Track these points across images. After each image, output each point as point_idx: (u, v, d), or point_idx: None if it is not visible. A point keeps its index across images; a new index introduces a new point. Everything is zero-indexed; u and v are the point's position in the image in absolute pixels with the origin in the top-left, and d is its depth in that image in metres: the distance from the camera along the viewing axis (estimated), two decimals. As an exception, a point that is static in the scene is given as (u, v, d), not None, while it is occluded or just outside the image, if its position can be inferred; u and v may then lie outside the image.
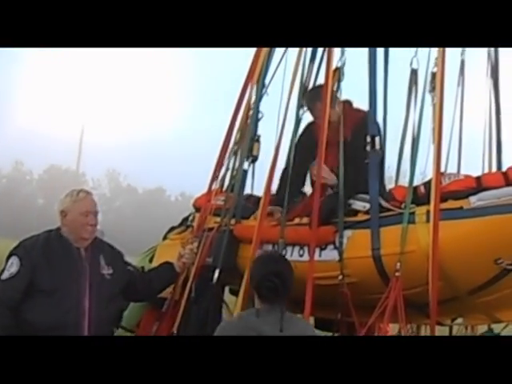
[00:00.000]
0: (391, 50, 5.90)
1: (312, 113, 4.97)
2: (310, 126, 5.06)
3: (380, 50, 5.71)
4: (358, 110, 4.89)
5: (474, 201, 4.05)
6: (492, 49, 5.38)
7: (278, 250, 4.42)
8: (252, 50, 5.07)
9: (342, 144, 4.48)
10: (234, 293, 4.86)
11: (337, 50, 4.82)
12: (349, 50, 5.31)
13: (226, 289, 5.16)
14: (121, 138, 63.24)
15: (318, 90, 4.90)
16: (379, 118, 5.64)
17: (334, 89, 5.42)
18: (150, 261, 5.31)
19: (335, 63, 5.09)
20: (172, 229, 5.60)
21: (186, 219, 5.50)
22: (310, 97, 4.99)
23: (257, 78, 5.05)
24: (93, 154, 54.46)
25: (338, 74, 5.30)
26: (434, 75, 4.40)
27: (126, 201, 56.87)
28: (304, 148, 4.87)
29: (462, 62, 5.62)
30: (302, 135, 4.99)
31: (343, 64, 5.38)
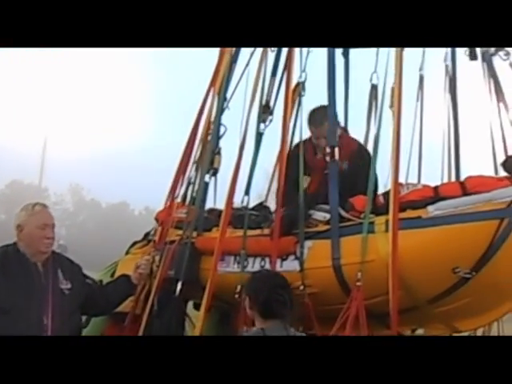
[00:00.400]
0: (352, 64, 6.02)
1: (317, 133, 5.00)
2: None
3: (340, 65, 5.84)
4: (353, 139, 5.00)
5: (432, 210, 4.10)
6: (449, 63, 5.48)
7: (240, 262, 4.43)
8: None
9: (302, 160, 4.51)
10: (197, 307, 4.84)
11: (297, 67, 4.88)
12: (310, 65, 5.42)
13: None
14: (84, 151, 62.34)
15: (325, 109, 4.89)
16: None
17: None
18: (112, 276, 5.26)
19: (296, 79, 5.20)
20: (135, 243, 5.58)
21: (148, 234, 5.48)
22: (318, 117, 5.01)
23: (218, 90, 5.08)
24: (55, 168, 53.65)
25: (299, 89, 5.40)
26: (393, 90, 4.47)
27: (89, 215, 56.27)
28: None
29: (421, 77, 5.74)
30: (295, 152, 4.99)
31: (305, 79, 5.49)
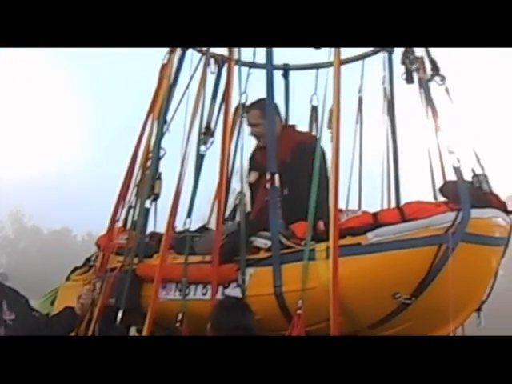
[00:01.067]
0: (292, 85, 6.06)
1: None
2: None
3: (280, 86, 5.87)
4: (300, 133, 5.01)
5: (372, 237, 4.13)
6: (387, 86, 5.54)
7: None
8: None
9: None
10: (140, 332, 4.77)
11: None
12: (250, 87, 5.44)
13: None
14: (24, 177, 61.03)
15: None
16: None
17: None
18: (52, 303, 5.17)
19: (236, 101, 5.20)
20: (75, 269, 5.48)
21: (88, 259, 5.40)
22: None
23: (157, 114, 5.04)
24: None
25: (240, 109, 5.41)
26: (331, 112, 4.50)
27: (30, 242, 55.22)
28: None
29: (360, 99, 5.79)
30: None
31: (245, 101, 5.50)
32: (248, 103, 5.24)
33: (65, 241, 53.70)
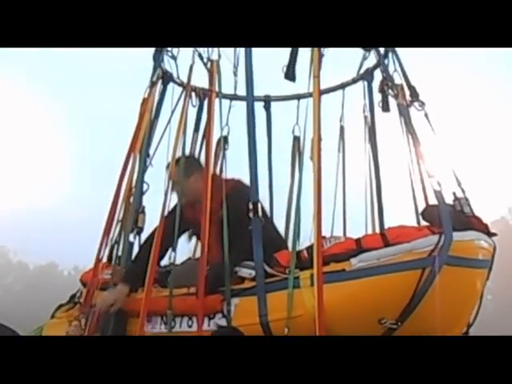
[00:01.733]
0: (274, 116, 6.11)
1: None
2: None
3: (262, 117, 5.92)
4: (227, 180, 4.85)
5: (355, 263, 4.13)
6: (368, 114, 5.60)
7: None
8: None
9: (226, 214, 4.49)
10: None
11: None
12: (232, 119, 5.47)
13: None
14: (9, 212, 60.65)
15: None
16: (264, 185, 5.80)
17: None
18: (37, 341, 5.11)
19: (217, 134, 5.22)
20: (60, 307, 5.42)
21: (73, 296, 5.35)
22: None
23: (139, 149, 5.05)
24: None
25: (222, 142, 5.44)
26: (312, 141, 4.52)
27: (16, 277, 54.79)
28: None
29: (342, 128, 5.84)
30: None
31: (228, 133, 5.54)
32: (227, 136, 5.30)
33: (51, 276, 53.19)
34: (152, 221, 4.94)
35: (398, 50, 5.04)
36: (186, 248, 5.42)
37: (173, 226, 4.62)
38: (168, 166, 4.97)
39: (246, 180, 4.63)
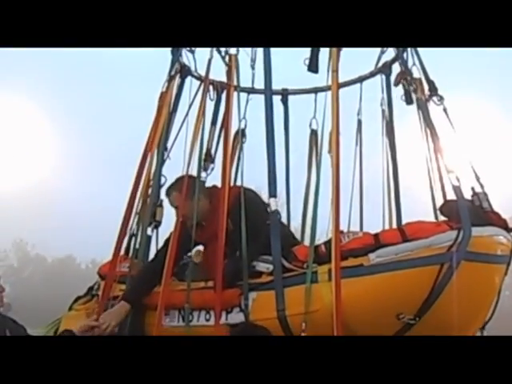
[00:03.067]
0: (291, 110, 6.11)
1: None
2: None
3: (279, 111, 5.92)
4: (230, 188, 4.79)
5: (373, 258, 4.13)
6: (386, 108, 5.58)
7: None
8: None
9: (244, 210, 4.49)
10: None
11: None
12: (249, 113, 5.48)
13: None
14: (27, 206, 60.67)
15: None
16: (282, 180, 5.81)
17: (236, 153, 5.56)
18: (55, 333, 5.15)
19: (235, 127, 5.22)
20: (77, 299, 5.46)
21: (91, 288, 5.38)
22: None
23: (157, 141, 5.07)
24: None
25: (239, 135, 5.44)
26: (330, 135, 4.52)
27: (34, 271, 55.07)
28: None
29: (359, 122, 5.83)
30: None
31: (245, 126, 5.54)
32: (245, 129, 5.30)
33: (69, 269, 53.50)
34: (169, 215, 4.96)
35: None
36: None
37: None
38: (168, 192, 4.96)
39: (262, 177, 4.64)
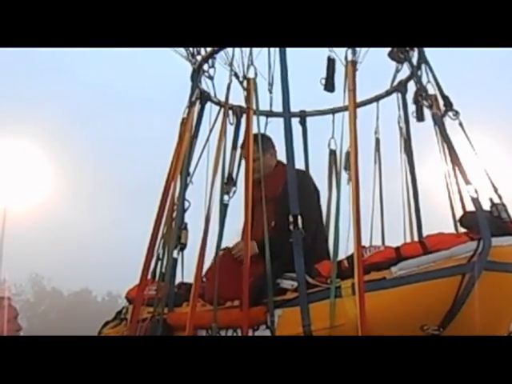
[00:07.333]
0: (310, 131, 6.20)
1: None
2: None
3: (298, 132, 6.01)
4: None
5: (396, 271, 4.20)
6: (403, 125, 5.67)
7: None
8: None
9: (266, 225, 4.59)
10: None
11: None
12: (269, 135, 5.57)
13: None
14: (42, 240, 60.57)
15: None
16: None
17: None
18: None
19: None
20: (106, 323, 5.57)
21: (119, 312, 5.49)
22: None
23: (180, 168, 5.18)
24: (14, 258, 52.33)
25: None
26: (348, 154, 4.60)
27: (51, 304, 54.88)
28: None
29: (377, 140, 5.91)
30: None
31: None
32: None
33: (85, 302, 53.21)
34: (194, 237, 5.06)
35: (431, 60, 5.10)
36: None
37: None
38: (242, 145, 5.24)
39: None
